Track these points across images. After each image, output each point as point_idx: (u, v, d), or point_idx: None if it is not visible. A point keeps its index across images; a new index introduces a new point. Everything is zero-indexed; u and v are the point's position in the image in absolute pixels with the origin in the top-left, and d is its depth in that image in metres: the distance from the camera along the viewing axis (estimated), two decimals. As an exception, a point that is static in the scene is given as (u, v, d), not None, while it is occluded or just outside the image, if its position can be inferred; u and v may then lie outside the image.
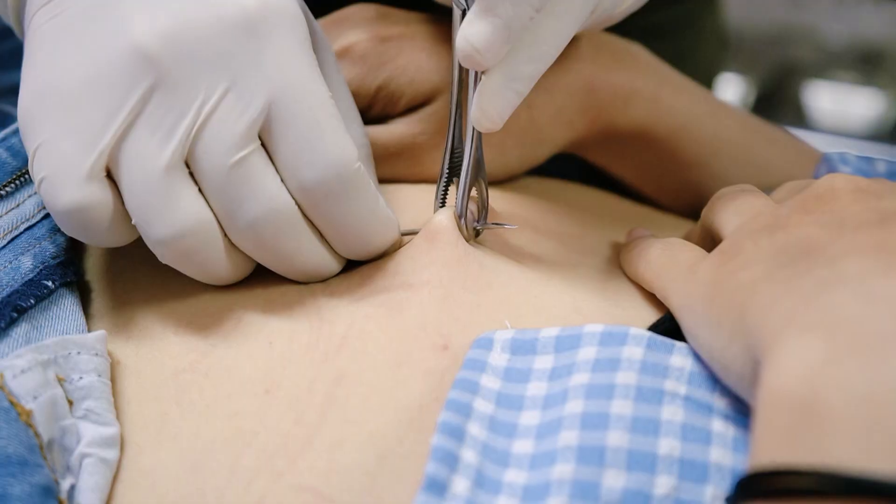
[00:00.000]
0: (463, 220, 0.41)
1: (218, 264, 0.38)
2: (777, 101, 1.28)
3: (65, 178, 0.36)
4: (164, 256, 0.38)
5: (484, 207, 0.42)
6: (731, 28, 0.99)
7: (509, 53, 0.37)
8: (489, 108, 0.38)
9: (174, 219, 0.36)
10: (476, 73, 0.39)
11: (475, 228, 0.42)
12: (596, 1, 0.39)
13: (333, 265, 0.40)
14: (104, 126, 0.36)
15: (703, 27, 0.80)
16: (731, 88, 1.27)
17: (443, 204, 0.42)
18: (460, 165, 0.42)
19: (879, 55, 1.31)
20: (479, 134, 0.41)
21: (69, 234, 0.38)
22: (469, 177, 0.41)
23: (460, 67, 0.41)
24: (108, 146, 0.36)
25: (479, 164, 0.41)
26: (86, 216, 0.37)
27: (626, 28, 0.48)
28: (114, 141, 0.36)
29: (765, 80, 1.30)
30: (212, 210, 0.37)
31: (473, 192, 0.42)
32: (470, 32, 0.36)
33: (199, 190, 0.37)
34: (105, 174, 0.37)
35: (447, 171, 0.42)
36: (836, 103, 1.27)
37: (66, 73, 0.37)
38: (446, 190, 0.43)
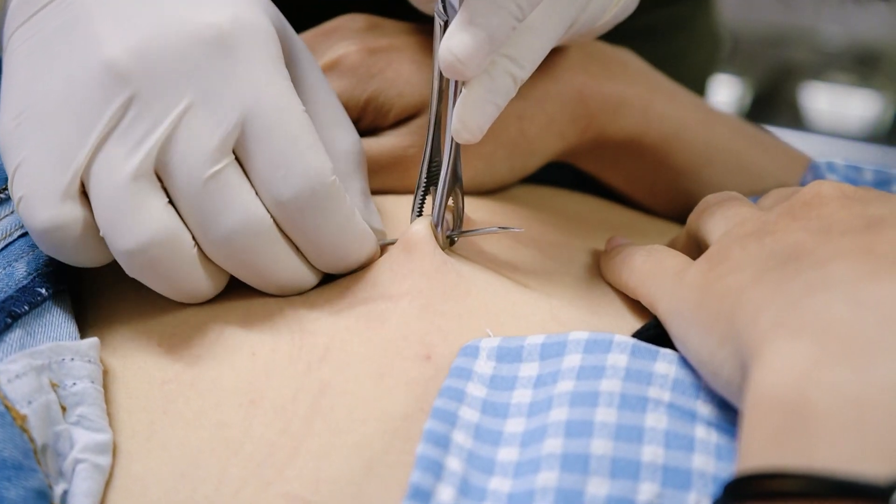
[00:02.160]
0: (439, 229, 0.41)
1: (187, 278, 0.38)
2: (773, 103, 1.28)
3: (40, 197, 0.36)
4: (130, 269, 0.37)
5: (459, 217, 0.42)
6: (728, 30, 0.99)
7: (489, 66, 0.37)
8: (469, 120, 0.37)
9: (139, 228, 0.36)
10: (456, 84, 0.39)
11: (449, 237, 0.42)
12: (574, 16, 0.39)
13: (310, 278, 0.40)
14: (79, 144, 0.36)
15: (695, 29, 0.80)
16: (728, 90, 1.27)
17: (419, 213, 0.42)
18: (438, 175, 0.41)
19: (876, 57, 1.31)
20: (458, 145, 0.41)
21: (47, 253, 0.38)
22: (447, 187, 0.41)
23: (440, 79, 0.41)
24: (84, 164, 0.36)
25: (456, 173, 0.41)
26: (59, 235, 0.37)
27: (619, 30, 0.47)
28: (88, 158, 0.36)
29: (761, 81, 1.30)
30: (185, 224, 0.37)
31: (449, 202, 0.42)
32: (452, 43, 0.36)
33: (172, 203, 0.37)
34: (81, 192, 0.37)
35: (425, 181, 0.42)
36: (833, 105, 1.27)
37: (42, 93, 0.37)
38: (423, 199, 0.43)
